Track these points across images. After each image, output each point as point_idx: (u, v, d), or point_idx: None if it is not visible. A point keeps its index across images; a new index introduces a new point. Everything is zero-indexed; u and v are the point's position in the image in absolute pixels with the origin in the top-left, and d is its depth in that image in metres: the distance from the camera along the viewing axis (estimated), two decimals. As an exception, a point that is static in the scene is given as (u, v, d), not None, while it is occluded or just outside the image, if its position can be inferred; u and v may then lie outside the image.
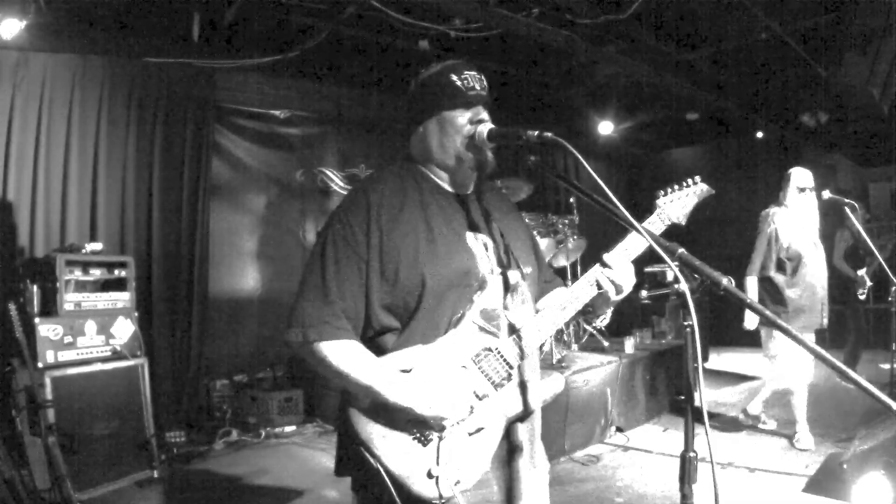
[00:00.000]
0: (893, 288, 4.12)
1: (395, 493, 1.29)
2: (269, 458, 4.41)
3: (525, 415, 1.44)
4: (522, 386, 1.42)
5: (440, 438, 1.33)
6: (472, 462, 1.36)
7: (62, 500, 2.95)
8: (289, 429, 4.96)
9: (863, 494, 3.02)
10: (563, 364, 4.59)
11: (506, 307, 1.43)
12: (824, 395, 5.32)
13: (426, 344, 1.36)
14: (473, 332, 1.38)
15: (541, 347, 1.53)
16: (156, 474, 3.84)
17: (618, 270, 1.45)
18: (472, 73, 1.47)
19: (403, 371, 1.35)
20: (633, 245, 1.48)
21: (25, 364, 3.25)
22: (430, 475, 1.31)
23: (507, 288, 1.45)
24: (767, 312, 1.28)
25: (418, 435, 1.33)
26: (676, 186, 1.58)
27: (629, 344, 5.32)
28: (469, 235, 1.46)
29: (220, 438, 4.69)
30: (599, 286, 1.44)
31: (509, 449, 1.46)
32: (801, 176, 4.24)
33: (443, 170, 1.50)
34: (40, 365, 3.43)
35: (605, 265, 1.45)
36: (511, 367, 1.40)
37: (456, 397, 1.34)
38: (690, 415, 1.28)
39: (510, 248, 1.51)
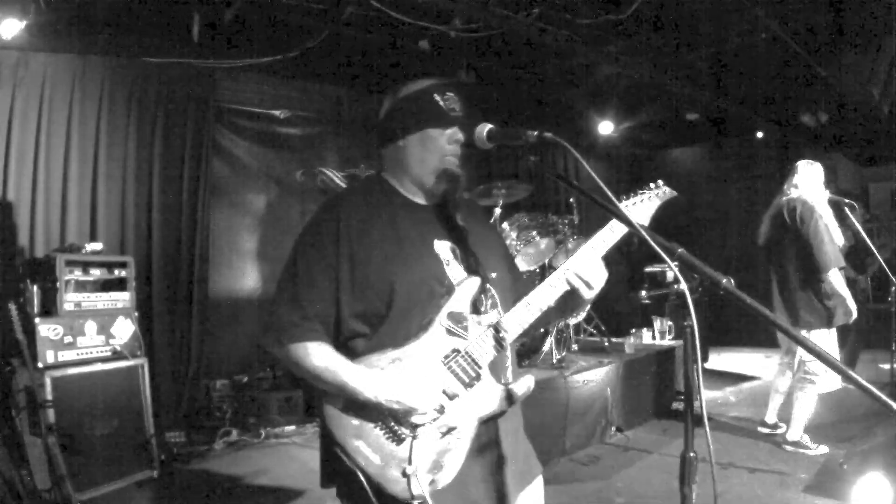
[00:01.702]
0: (893, 288, 4.12)
1: (371, 493, 1.33)
2: (269, 458, 4.41)
3: (498, 414, 1.47)
4: (493, 385, 1.46)
5: (413, 437, 1.37)
6: (444, 461, 1.39)
7: (62, 500, 2.95)
8: (289, 429, 4.96)
9: (863, 494, 3.03)
10: (563, 364, 4.59)
11: (476, 311, 1.48)
12: (824, 395, 5.32)
13: (396, 347, 1.42)
14: (441, 334, 1.43)
15: (512, 346, 1.54)
16: (156, 474, 3.84)
17: (585, 267, 1.48)
18: (452, 94, 1.54)
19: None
20: (599, 242, 1.51)
21: (25, 364, 3.25)
22: (403, 474, 1.34)
23: (475, 292, 1.49)
24: (767, 312, 1.28)
25: (391, 434, 1.37)
26: (639, 190, 1.63)
27: (629, 344, 5.32)
28: (436, 242, 1.52)
29: (220, 438, 4.69)
30: (569, 283, 1.48)
31: (483, 448, 1.47)
32: (820, 169, 4.18)
33: (416, 184, 1.56)
34: (40, 365, 3.43)
35: (575, 262, 1.49)
36: (480, 368, 1.44)
37: (426, 393, 1.38)
38: (690, 415, 1.28)
39: (477, 253, 1.56)
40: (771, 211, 4.29)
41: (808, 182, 4.12)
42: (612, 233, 1.51)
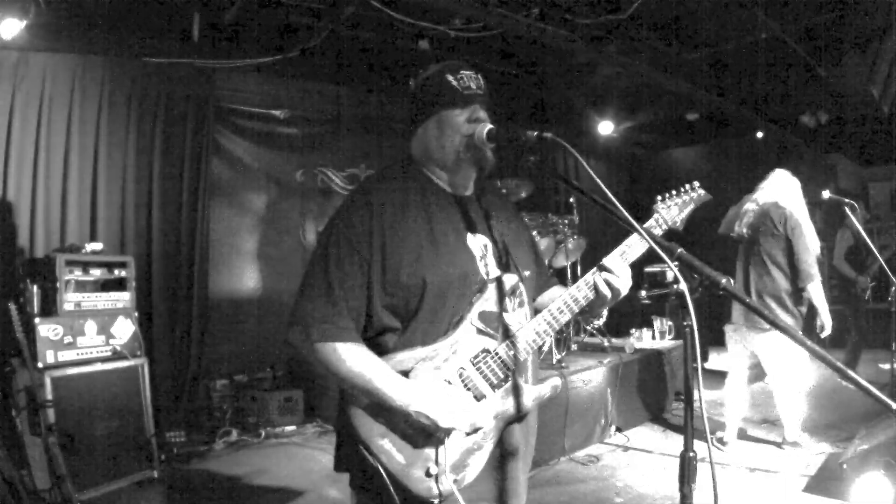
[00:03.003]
0: (893, 288, 4.12)
1: (393, 492, 1.31)
2: (269, 458, 4.41)
3: (521, 416, 1.46)
4: (519, 387, 1.44)
5: (439, 438, 1.36)
6: (469, 461, 1.38)
7: (62, 500, 2.95)
8: (289, 429, 4.96)
9: (863, 494, 3.02)
10: (563, 364, 4.59)
11: (504, 310, 1.44)
12: (824, 395, 5.32)
13: (425, 345, 1.39)
14: (472, 333, 1.41)
15: (539, 349, 1.52)
16: (156, 474, 3.84)
17: (616, 274, 1.46)
18: (469, 72, 1.49)
19: (403, 372, 1.37)
20: (630, 249, 1.49)
21: (25, 364, 3.25)
22: (428, 474, 1.33)
23: (506, 290, 1.46)
24: (767, 313, 1.28)
25: (417, 434, 1.36)
26: (675, 192, 1.59)
27: (629, 344, 5.32)
28: (469, 237, 1.48)
29: (220, 438, 4.69)
30: (597, 290, 1.46)
31: (505, 449, 1.47)
32: (798, 184, 4.24)
33: (443, 170, 1.51)
34: (40, 365, 3.43)
35: (603, 269, 1.47)
36: (508, 369, 1.42)
37: (455, 403, 1.36)
38: (690, 415, 1.28)
39: (509, 250, 1.53)
40: (750, 209, 4.26)
41: (790, 192, 4.17)
42: (641, 241, 1.47)
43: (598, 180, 1.23)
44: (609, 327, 5.75)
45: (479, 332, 1.41)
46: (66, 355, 3.57)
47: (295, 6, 4.64)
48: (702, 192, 1.62)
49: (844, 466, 3.20)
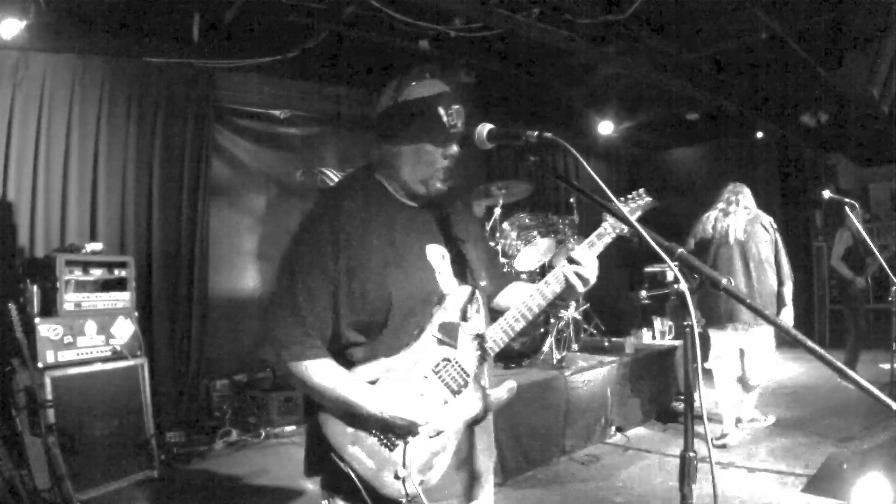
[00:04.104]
0: (893, 288, 4.12)
1: (366, 495, 1.38)
2: (269, 458, 4.41)
3: (481, 418, 1.54)
4: (478, 392, 1.52)
5: (406, 443, 1.43)
6: (433, 462, 1.46)
7: (62, 500, 2.95)
8: (289, 429, 4.96)
9: (863, 494, 3.02)
10: (563, 364, 4.60)
11: (464, 318, 1.51)
12: (824, 395, 5.32)
13: (389, 357, 1.45)
14: (433, 344, 1.47)
15: (497, 353, 1.60)
16: (156, 474, 3.84)
17: (584, 265, 1.54)
18: (457, 106, 1.49)
19: (370, 382, 1.43)
20: (598, 241, 1.59)
21: (25, 364, 3.25)
22: (396, 476, 1.41)
23: (465, 300, 1.52)
24: (767, 312, 1.28)
25: (385, 440, 1.43)
26: (623, 199, 1.66)
27: (629, 344, 5.32)
28: (428, 249, 1.54)
29: (220, 438, 4.69)
30: (568, 282, 1.53)
31: (468, 448, 1.55)
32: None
33: (403, 188, 1.55)
34: (40, 365, 3.43)
35: (572, 261, 1.55)
36: (468, 375, 1.50)
37: (425, 406, 1.43)
38: (690, 414, 1.28)
39: (466, 256, 1.59)
40: (739, 215, 4.44)
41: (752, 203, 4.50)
42: (606, 233, 1.59)
43: (599, 180, 1.24)
44: (609, 327, 5.76)
45: (440, 342, 1.47)
46: (66, 355, 3.57)
47: (295, 6, 4.63)
48: (648, 199, 1.71)
49: (844, 466, 3.20)
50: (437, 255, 1.54)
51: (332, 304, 1.43)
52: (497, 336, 1.53)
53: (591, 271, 1.55)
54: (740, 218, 4.40)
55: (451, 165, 1.51)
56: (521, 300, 1.55)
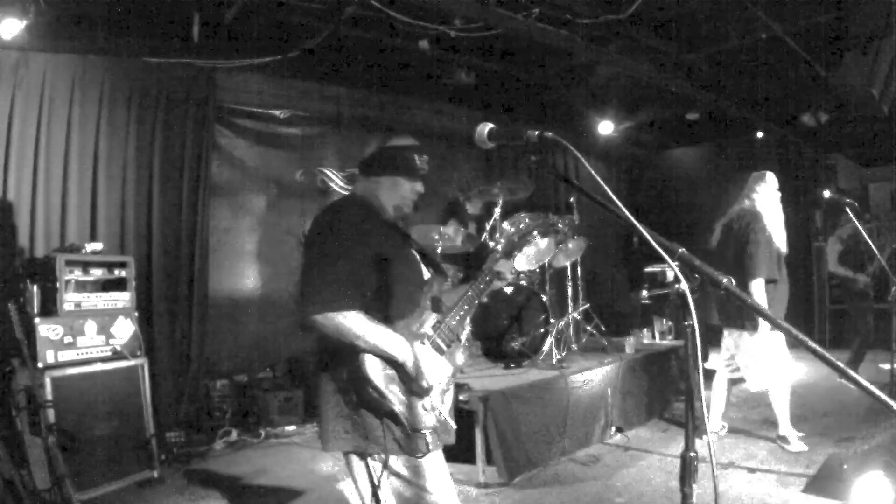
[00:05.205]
0: (894, 288, 4.12)
1: (406, 423, 1.76)
2: (269, 458, 4.41)
3: (455, 371, 2.00)
4: (460, 347, 2.07)
5: (429, 385, 1.83)
6: (444, 399, 1.92)
7: (62, 500, 2.95)
8: (289, 429, 4.96)
9: (863, 494, 3.02)
10: (563, 364, 4.60)
11: (442, 295, 2.02)
12: (824, 395, 5.32)
13: (403, 318, 1.89)
14: (428, 311, 1.96)
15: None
16: (156, 474, 3.84)
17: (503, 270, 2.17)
18: (425, 157, 2.04)
19: None
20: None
21: (25, 364, 3.25)
22: (424, 408, 1.81)
23: (440, 283, 2.06)
24: (767, 312, 1.28)
25: (411, 382, 1.81)
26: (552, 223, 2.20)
27: (629, 344, 5.32)
28: (411, 251, 2.08)
29: (220, 438, 4.69)
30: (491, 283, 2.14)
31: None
32: (775, 179, 4.43)
33: (380, 208, 2.05)
34: (40, 365, 3.43)
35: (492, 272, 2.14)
36: (455, 335, 1.99)
37: (434, 358, 1.86)
38: (690, 415, 1.28)
39: (429, 257, 2.15)
40: (724, 219, 4.41)
41: (765, 192, 4.32)
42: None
43: (599, 180, 1.24)
44: (609, 327, 5.76)
45: (432, 310, 1.96)
46: (66, 355, 3.57)
47: (295, 6, 4.63)
48: (566, 228, 2.16)
49: (844, 466, 3.20)
50: (416, 255, 2.08)
51: (360, 275, 1.81)
52: (464, 304, 2.04)
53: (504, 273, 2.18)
54: (720, 225, 4.41)
55: (415, 199, 2.05)
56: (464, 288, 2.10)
